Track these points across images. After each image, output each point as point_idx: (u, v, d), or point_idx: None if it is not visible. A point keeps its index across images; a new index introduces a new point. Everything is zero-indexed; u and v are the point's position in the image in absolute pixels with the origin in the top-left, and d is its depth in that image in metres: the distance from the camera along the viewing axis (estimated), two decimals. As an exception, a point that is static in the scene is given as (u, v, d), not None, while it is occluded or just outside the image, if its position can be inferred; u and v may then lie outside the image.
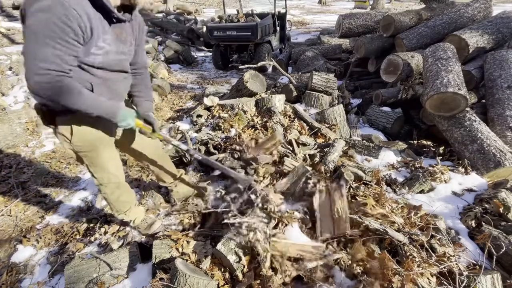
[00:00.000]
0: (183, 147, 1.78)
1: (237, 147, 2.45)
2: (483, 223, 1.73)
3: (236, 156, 2.46)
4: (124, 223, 2.06)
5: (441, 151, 3.04)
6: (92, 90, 1.34)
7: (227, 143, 2.68)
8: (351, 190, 1.93)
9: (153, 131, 1.61)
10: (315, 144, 2.61)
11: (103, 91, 1.39)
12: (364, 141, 2.80)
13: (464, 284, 1.31)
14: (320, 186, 1.82)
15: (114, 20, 1.29)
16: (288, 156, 2.37)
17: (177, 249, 1.67)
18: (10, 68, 5.68)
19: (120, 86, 1.51)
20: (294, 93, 3.77)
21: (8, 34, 8.49)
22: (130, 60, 1.54)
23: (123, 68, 1.47)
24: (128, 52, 1.46)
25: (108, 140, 1.58)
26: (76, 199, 2.71)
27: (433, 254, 1.44)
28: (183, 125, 3.56)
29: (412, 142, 3.35)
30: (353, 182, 1.96)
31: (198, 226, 1.98)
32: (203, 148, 2.72)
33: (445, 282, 1.33)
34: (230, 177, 1.95)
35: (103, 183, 1.68)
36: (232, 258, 1.47)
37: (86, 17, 1.15)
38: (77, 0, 1.12)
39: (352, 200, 1.81)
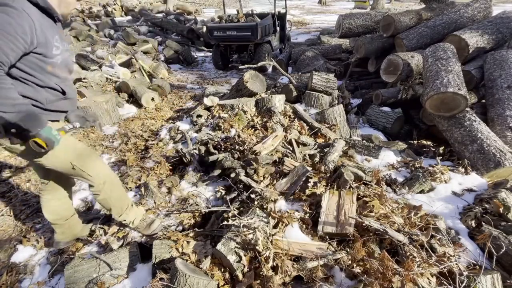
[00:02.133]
0: None
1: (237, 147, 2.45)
2: (483, 223, 1.73)
3: (236, 156, 2.46)
4: (124, 225, 2.06)
5: (441, 151, 3.04)
6: (64, 93, 1.47)
7: (227, 143, 2.68)
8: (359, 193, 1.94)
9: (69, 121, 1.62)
10: (315, 144, 2.61)
11: (70, 92, 1.52)
12: (364, 141, 2.80)
13: (464, 284, 1.31)
14: (329, 188, 1.85)
15: (56, 20, 1.43)
16: (288, 156, 2.37)
17: (177, 249, 1.67)
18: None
19: (74, 86, 1.63)
20: (294, 93, 3.77)
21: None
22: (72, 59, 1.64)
23: (72, 65, 1.58)
24: (68, 48, 1.55)
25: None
26: (76, 199, 2.70)
27: (433, 254, 1.44)
28: (183, 125, 3.56)
29: (412, 142, 3.34)
30: (353, 182, 1.96)
31: (197, 226, 1.98)
32: (203, 148, 2.72)
33: (445, 282, 1.32)
34: None
35: (101, 179, 1.72)
36: (232, 258, 1.46)
37: (38, 22, 1.28)
38: (27, 5, 1.27)
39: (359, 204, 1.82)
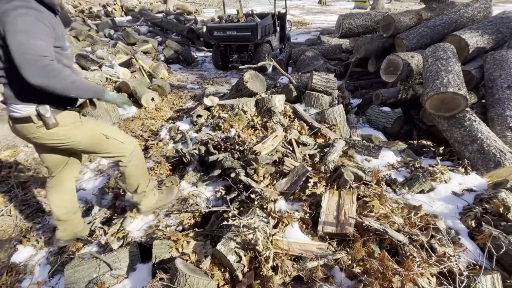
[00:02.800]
0: None
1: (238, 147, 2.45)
2: (483, 223, 1.73)
3: (236, 156, 2.46)
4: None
5: (441, 151, 3.04)
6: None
7: (227, 143, 2.68)
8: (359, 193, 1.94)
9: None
10: (315, 144, 2.61)
11: None
12: (364, 141, 2.80)
13: (464, 284, 1.31)
14: (329, 188, 1.84)
15: (57, 13, 1.50)
16: (288, 156, 2.37)
17: (177, 249, 1.67)
18: (10, 68, 5.67)
19: None
20: (294, 93, 3.77)
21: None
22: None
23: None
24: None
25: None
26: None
27: (433, 254, 1.44)
28: (183, 125, 3.56)
29: (412, 142, 3.34)
30: (353, 182, 1.96)
31: (197, 226, 1.98)
32: (203, 148, 2.72)
33: (445, 282, 1.32)
34: None
35: (130, 149, 1.86)
36: (232, 258, 1.46)
37: (52, 19, 1.41)
38: (37, 3, 1.36)
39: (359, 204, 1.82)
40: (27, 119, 1.47)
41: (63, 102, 1.54)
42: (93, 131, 1.71)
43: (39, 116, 1.46)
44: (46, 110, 1.46)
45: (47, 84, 1.30)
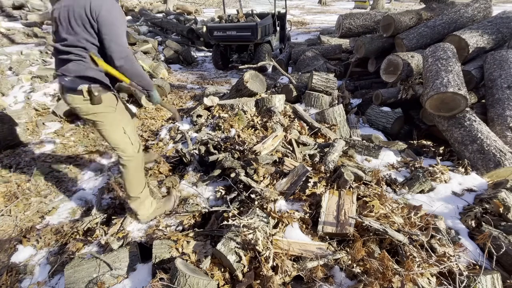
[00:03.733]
0: None
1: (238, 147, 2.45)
2: (483, 223, 1.73)
3: (236, 156, 2.46)
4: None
5: (441, 151, 3.03)
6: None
7: (227, 143, 2.68)
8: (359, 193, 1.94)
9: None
10: (315, 144, 2.61)
11: None
12: (364, 141, 2.80)
13: (464, 284, 1.31)
14: (329, 188, 1.84)
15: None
16: (288, 156, 2.37)
17: (177, 249, 1.67)
18: (10, 68, 5.68)
19: None
20: (294, 93, 3.77)
21: (8, 34, 8.49)
22: None
23: None
24: None
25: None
26: (76, 199, 2.71)
27: (433, 254, 1.44)
28: (183, 125, 3.56)
29: (412, 142, 3.34)
30: (353, 182, 1.96)
31: (197, 226, 1.98)
32: (203, 148, 2.72)
33: (445, 282, 1.32)
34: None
35: (135, 152, 1.99)
36: (232, 258, 1.46)
37: None
38: None
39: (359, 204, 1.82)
40: (78, 92, 1.72)
41: (110, 85, 1.82)
42: (118, 122, 1.90)
43: (89, 92, 1.72)
44: (97, 89, 1.74)
45: (126, 68, 1.68)
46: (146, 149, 3.37)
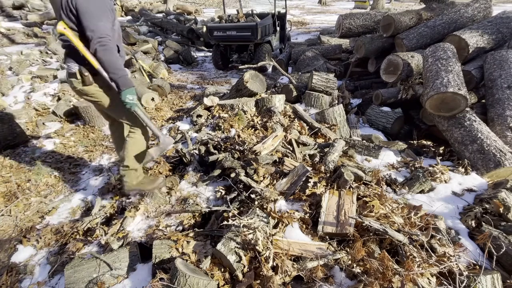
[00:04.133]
0: None
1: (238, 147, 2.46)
2: (483, 223, 1.73)
3: (236, 156, 2.46)
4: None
5: (441, 151, 3.03)
6: (119, 51, 1.94)
7: (227, 143, 2.68)
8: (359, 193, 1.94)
9: None
10: (315, 144, 2.61)
11: (122, 51, 2.02)
12: (364, 141, 2.80)
13: (464, 284, 1.31)
14: (329, 188, 1.84)
15: None
16: (288, 156, 2.37)
17: (177, 249, 1.67)
18: (10, 68, 5.68)
19: (123, 49, 2.12)
20: (294, 93, 3.77)
21: (8, 34, 8.49)
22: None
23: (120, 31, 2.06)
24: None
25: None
26: (76, 199, 2.71)
27: (433, 254, 1.44)
28: (183, 125, 3.56)
29: (412, 142, 3.34)
30: (353, 182, 1.96)
31: (197, 226, 1.98)
32: (203, 148, 2.72)
33: (445, 282, 1.32)
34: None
35: (139, 124, 2.16)
36: (232, 258, 1.46)
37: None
38: None
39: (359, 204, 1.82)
40: (73, 75, 1.90)
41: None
42: (118, 99, 1.98)
43: (80, 73, 1.88)
44: (86, 70, 1.88)
45: (99, 56, 1.76)
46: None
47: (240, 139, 2.68)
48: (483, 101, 3.31)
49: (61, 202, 2.68)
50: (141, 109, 2.08)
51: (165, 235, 1.90)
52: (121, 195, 2.51)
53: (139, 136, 2.23)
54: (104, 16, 1.76)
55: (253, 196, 1.93)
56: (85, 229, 2.26)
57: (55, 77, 5.16)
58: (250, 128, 3.01)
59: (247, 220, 1.59)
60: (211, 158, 2.51)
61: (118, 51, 1.95)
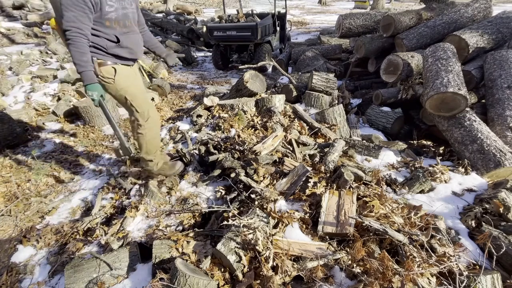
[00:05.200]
0: None
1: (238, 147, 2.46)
2: (483, 223, 1.73)
3: (236, 156, 2.46)
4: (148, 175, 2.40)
5: (441, 151, 3.03)
6: (118, 41, 1.90)
7: (227, 143, 2.68)
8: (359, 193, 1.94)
9: (169, 66, 2.49)
10: (315, 144, 2.61)
11: (126, 41, 1.96)
12: (364, 141, 2.80)
13: (464, 284, 1.31)
14: (329, 188, 1.84)
15: None
16: (288, 156, 2.37)
17: (177, 249, 1.67)
18: (10, 68, 5.68)
19: (137, 38, 2.07)
20: (294, 93, 3.77)
21: (8, 34, 8.49)
22: (135, 15, 2.06)
23: (130, 19, 1.97)
24: (129, 7, 1.96)
25: (138, 79, 2.23)
26: (76, 199, 2.71)
27: (433, 254, 1.44)
28: (183, 125, 3.56)
29: (412, 142, 3.34)
30: (353, 182, 1.96)
31: (197, 226, 1.98)
32: (203, 148, 2.72)
33: (445, 282, 1.32)
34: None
35: (145, 116, 2.18)
36: (232, 258, 1.46)
37: None
38: None
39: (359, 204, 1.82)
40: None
41: (106, 59, 1.95)
42: (119, 92, 2.06)
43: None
44: (94, 61, 1.90)
45: (67, 45, 1.76)
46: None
47: (240, 139, 2.68)
48: (483, 101, 3.31)
49: (61, 202, 2.68)
50: (106, 107, 2.04)
51: (165, 235, 1.90)
52: (146, 179, 2.60)
53: (144, 130, 2.25)
54: (75, 6, 1.68)
55: (253, 196, 1.93)
56: (85, 229, 2.26)
57: (55, 77, 5.16)
58: (250, 128, 3.01)
59: (247, 220, 1.59)
60: (211, 158, 2.51)
61: (118, 41, 1.91)
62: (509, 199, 1.81)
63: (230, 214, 1.73)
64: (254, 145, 2.43)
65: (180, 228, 2.03)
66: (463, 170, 2.32)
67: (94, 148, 3.61)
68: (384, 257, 1.37)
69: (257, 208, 1.75)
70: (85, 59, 1.78)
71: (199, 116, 3.56)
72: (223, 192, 2.23)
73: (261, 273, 1.42)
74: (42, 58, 6.35)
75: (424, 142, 3.35)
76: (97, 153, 3.49)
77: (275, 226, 1.69)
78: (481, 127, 2.70)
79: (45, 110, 4.33)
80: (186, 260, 1.57)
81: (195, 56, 8.10)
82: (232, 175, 2.21)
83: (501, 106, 2.87)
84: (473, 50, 3.44)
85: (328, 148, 2.37)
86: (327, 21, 12.84)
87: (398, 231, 1.55)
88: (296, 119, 3.10)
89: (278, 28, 7.08)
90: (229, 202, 1.93)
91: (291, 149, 2.50)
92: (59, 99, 4.48)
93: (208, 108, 3.75)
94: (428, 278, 1.34)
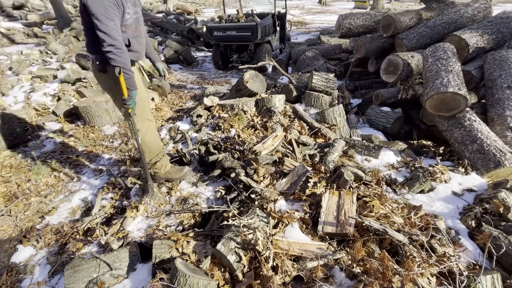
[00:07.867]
0: None
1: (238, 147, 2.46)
2: (483, 223, 1.73)
3: (236, 156, 2.46)
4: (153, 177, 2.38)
5: (441, 151, 3.03)
6: (129, 45, 1.94)
7: (227, 143, 2.68)
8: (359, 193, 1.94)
9: (160, 75, 2.45)
10: (315, 144, 2.61)
11: (136, 44, 2.01)
12: (364, 141, 2.80)
13: (464, 284, 1.31)
14: (329, 188, 1.84)
15: None
16: (288, 156, 2.37)
17: (177, 249, 1.67)
18: (10, 68, 5.68)
19: (142, 42, 2.11)
20: (294, 93, 3.77)
21: (8, 34, 8.49)
22: (142, 19, 2.08)
23: (140, 25, 2.04)
24: (139, 12, 2.04)
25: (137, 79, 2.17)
26: (76, 199, 2.71)
27: (433, 254, 1.44)
28: (183, 125, 3.56)
29: (412, 142, 3.34)
30: (353, 182, 1.96)
31: (197, 226, 1.98)
32: (203, 148, 2.72)
33: (445, 282, 1.32)
34: None
35: (145, 119, 2.20)
36: (232, 258, 1.46)
37: None
38: None
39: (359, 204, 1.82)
40: (92, 61, 2.01)
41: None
42: (115, 93, 2.05)
43: (93, 62, 1.98)
44: (98, 59, 1.94)
45: (111, 57, 1.78)
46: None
47: (240, 139, 2.68)
48: (483, 101, 3.31)
49: (61, 202, 2.68)
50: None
51: (165, 235, 1.90)
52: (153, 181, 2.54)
53: (142, 135, 2.23)
54: (112, 16, 1.71)
55: (253, 196, 1.93)
56: (85, 229, 2.26)
57: (55, 77, 5.15)
58: (250, 128, 3.01)
59: (247, 220, 1.59)
60: (211, 158, 2.51)
61: (129, 45, 1.94)
62: (509, 199, 1.81)
63: (230, 214, 1.73)
64: (254, 145, 2.43)
65: (180, 228, 2.03)
66: (463, 170, 2.32)
67: (94, 148, 3.61)
68: (384, 257, 1.37)
69: (257, 208, 1.75)
70: (130, 67, 1.88)
71: (199, 116, 3.56)
72: (223, 192, 2.23)
73: (261, 273, 1.42)
74: (42, 58, 6.35)
75: (424, 142, 3.35)
76: (97, 153, 3.49)
77: (275, 226, 1.69)
78: (481, 127, 2.70)
79: (45, 110, 4.33)
80: (186, 260, 1.57)
81: (195, 56, 8.10)
82: (232, 175, 2.21)
83: (501, 106, 2.87)
84: (473, 50, 3.44)
85: (328, 148, 2.37)
86: (327, 21, 12.85)
87: (398, 231, 1.55)
88: (296, 119, 3.10)
89: (278, 28, 7.08)
90: (229, 202, 1.93)
91: (291, 149, 2.50)
92: (59, 99, 4.48)
93: (208, 108, 3.75)
94: (428, 278, 1.34)
